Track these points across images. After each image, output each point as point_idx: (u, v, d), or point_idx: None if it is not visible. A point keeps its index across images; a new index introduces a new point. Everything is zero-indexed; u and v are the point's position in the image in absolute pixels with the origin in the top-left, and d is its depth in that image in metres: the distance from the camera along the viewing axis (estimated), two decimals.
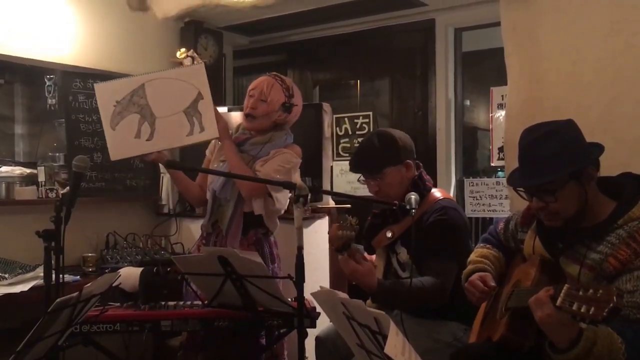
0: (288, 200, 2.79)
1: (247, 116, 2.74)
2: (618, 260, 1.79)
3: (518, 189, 1.99)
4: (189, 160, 2.95)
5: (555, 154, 1.87)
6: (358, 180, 2.64)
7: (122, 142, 2.68)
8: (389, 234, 2.57)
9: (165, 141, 2.70)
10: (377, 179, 2.52)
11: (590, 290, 1.53)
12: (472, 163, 5.06)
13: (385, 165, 2.50)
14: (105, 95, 2.69)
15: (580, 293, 1.55)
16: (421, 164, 2.63)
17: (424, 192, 2.53)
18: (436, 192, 2.58)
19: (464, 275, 2.28)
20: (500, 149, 3.90)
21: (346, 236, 2.45)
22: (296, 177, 3.26)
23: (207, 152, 2.92)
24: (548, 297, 1.66)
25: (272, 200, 2.67)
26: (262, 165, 2.67)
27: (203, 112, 2.67)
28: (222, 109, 3.64)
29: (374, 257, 2.71)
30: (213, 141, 2.86)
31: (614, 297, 1.48)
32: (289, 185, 2.19)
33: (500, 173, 4.25)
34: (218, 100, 4.30)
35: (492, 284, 2.14)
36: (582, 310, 1.52)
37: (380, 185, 2.52)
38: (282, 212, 2.81)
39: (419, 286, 2.38)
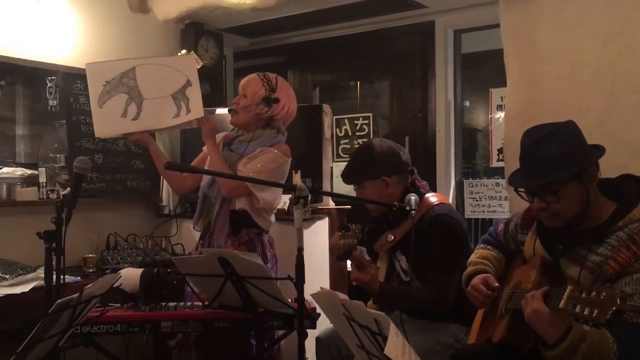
0: (278, 198, 2.79)
1: (229, 111, 2.80)
2: (618, 262, 1.79)
3: (519, 189, 2.00)
4: (190, 158, 2.96)
5: (557, 154, 1.88)
6: (354, 189, 2.68)
7: (108, 120, 2.71)
8: (391, 237, 2.57)
9: (151, 122, 2.74)
10: (360, 189, 2.58)
11: (594, 293, 1.54)
12: (471, 164, 5.07)
13: (363, 179, 2.56)
14: (96, 75, 2.73)
15: (584, 295, 1.56)
16: (415, 170, 2.63)
17: None
18: (431, 197, 2.57)
19: (465, 277, 2.28)
20: (500, 150, 3.91)
21: (347, 244, 2.47)
22: (296, 178, 3.27)
23: (205, 148, 2.89)
24: (541, 294, 1.70)
25: (257, 198, 2.66)
26: (246, 164, 2.67)
27: (190, 96, 2.72)
28: (223, 110, 3.65)
29: (377, 262, 2.71)
30: None
31: (618, 300, 1.49)
32: (289, 188, 2.19)
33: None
34: (218, 101, 4.32)
35: (496, 284, 2.14)
36: (585, 312, 1.53)
37: (363, 195, 2.57)
38: (273, 210, 2.81)
39: (419, 295, 2.44)
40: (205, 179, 2.77)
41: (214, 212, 2.74)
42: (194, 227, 2.89)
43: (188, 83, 2.72)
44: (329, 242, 2.64)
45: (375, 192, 2.54)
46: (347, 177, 2.64)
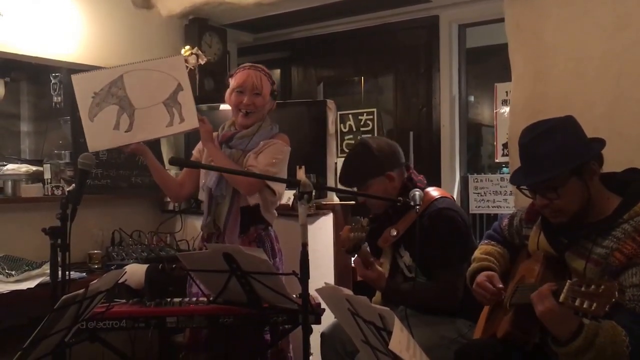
0: (284, 190, 2.79)
1: (245, 113, 2.71)
2: (624, 254, 1.79)
3: (521, 187, 2.00)
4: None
5: (554, 151, 1.88)
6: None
7: (100, 134, 2.64)
8: (394, 232, 2.57)
9: (145, 132, 2.66)
10: (363, 191, 2.55)
11: (593, 286, 1.54)
12: (476, 159, 5.05)
13: (367, 178, 2.53)
14: (83, 87, 2.65)
15: (583, 289, 1.56)
16: (411, 165, 2.63)
17: None
18: (432, 191, 2.57)
19: (469, 273, 2.28)
20: (505, 145, 3.89)
21: (357, 238, 2.47)
22: (300, 174, 3.27)
23: (195, 151, 2.89)
24: (550, 291, 1.68)
25: (271, 191, 2.67)
26: (255, 158, 2.66)
27: (183, 102, 2.65)
28: (227, 106, 3.64)
29: (380, 259, 2.70)
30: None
31: (616, 293, 1.49)
32: (292, 183, 2.19)
33: (504, 169, 4.25)
34: (222, 97, 4.30)
35: (500, 285, 2.14)
36: (585, 305, 1.53)
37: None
38: (278, 202, 2.81)
39: (427, 292, 2.44)
40: (210, 177, 2.73)
41: (223, 211, 2.71)
42: (201, 229, 2.84)
43: (179, 87, 2.64)
44: (340, 235, 2.63)
45: (380, 189, 2.53)
46: (349, 180, 2.61)
